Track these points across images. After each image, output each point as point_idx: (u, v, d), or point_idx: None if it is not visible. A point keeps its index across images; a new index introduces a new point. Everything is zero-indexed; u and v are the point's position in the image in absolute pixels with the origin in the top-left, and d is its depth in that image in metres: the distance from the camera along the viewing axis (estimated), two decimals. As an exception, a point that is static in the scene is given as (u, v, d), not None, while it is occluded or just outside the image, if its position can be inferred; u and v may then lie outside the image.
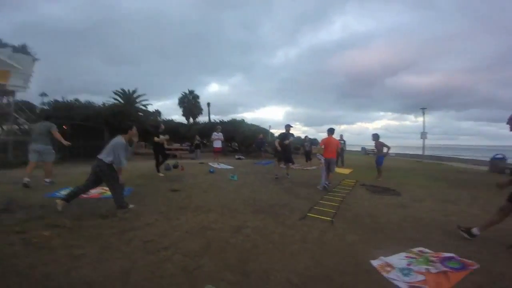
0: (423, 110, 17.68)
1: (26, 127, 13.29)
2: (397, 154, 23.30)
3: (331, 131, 6.42)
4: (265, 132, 17.42)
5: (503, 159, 11.40)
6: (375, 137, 7.90)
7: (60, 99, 15.25)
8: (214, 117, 33.52)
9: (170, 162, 9.41)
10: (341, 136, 12.09)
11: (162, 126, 7.54)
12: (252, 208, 4.09)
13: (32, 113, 16.18)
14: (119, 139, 3.72)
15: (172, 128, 20.93)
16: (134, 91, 25.88)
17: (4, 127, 13.40)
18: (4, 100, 13.87)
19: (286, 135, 7.21)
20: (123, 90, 25.31)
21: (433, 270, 2.25)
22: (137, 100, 25.77)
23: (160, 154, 7.24)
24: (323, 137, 6.60)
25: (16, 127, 13.59)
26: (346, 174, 8.66)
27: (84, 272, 2.06)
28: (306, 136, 12.95)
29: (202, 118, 34.82)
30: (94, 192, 4.38)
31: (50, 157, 5.40)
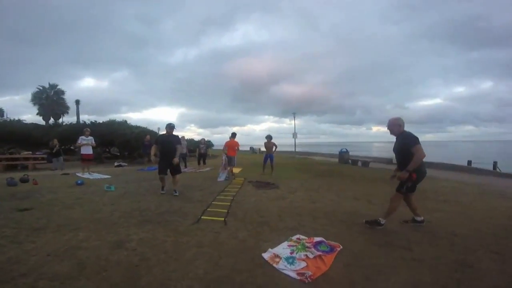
0: (294, 114, 21.71)
1: None
2: (277, 152, 27.10)
3: (233, 135, 8.35)
4: (153, 134, 16.03)
5: (347, 152, 15.45)
6: (269, 137, 9.24)
7: None
8: (88, 117, 28.06)
9: (16, 175, 7.12)
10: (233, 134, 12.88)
11: None
12: (136, 220, 3.65)
13: None
14: None
15: (19, 131, 15.86)
16: None
17: None
18: None
19: (167, 139, 5.36)
20: None
21: (310, 256, 2.47)
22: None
23: None
24: (226, 140, 8.29)
25: None
26: (236, 173, 9.18)
27: None
28: (202, 139, 12.91)
29: (69, 119, 28.37)
30: None
31: None
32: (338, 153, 16.11)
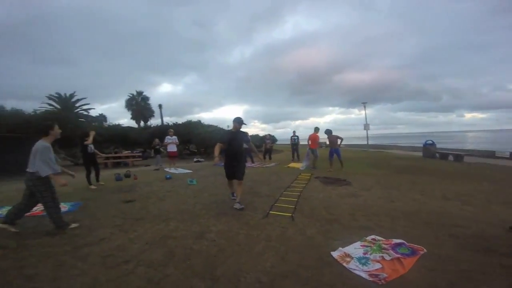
0: (364, 104, 19.72)
1: None
2: (346, 145, 25.41)
3: (316, 129, 9.29)
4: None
5: (433, 144, 13.27)
6: (328, 132, 8.72)
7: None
8: (169, 119, 32.08)
9: (121, 171, 8.76)
10: (294, 132, 12.73)
11: (91, 134, 6.57)
12: (214, 212, 4.05)
13: None
14: (40, 143, 3.20)
15: (119, 134, 19.37)
16: (71, 95, 23.28)
17: None
18: None
19: (235, 136, 4.38)
20: (58, 94, 22.56)
21: (387, 257, 2.36)
22: (77, 105, 23.25)
23: (92, 164, 6.60)
24: (310, 133, 9.41)
25: None
26: (300, 168, 9.12)
27: None
28: (268, 134, 13.32)
29: (155, 121, 33.02)
30: (36, 209, 3.85)
31: None
32: (422, 145, 13.97)
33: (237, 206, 4.16)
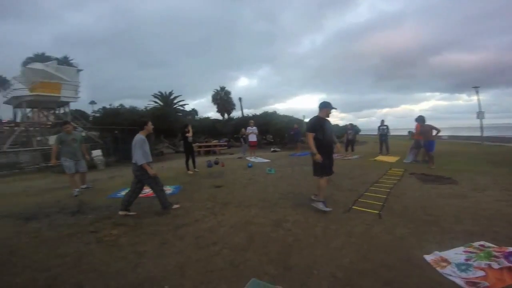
0: (476, 89, 15.59)
1: (84, 134, 14.94)
2: (450, 137, 21.06)
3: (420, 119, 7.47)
4: (299, 122, 17.08)
5: None
6: (420, 119, 7.28)
7: (107, 105, 16.82)
8: (247, 111, 33.88)
9: (211, 158, 9.85)
10: (382, 121, 11.28)
11: (189, 127, 7.52)
12: (292, 202, 4.10)
13: (86, 120, 18.08)
14: (138, 136, 3.69)
15: (208, 125, 21.71)
16: (170, 93, 27.32)
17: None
18: (61, 111, 15.70)
19: (324, 123, 3.65)
20: (160, 92, 26.88)
21: (495, 266, 2.06)
22: (175, 102, 27.20)
23: (190, 152, 7.50)
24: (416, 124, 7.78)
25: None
26: (392, 163, 8.12)
27: (147, 267, 2.28)
28: (349, 124, 12.17)
29: (236, 113, 35.44)
30: (148, 191, 4.46)
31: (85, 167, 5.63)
32: None
33: (321, 206, 3.59)
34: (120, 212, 3.73)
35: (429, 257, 2.29)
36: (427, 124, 7.19)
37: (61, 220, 3.63)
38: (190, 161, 7.51)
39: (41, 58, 19.37)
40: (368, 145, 16.01)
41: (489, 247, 2.41)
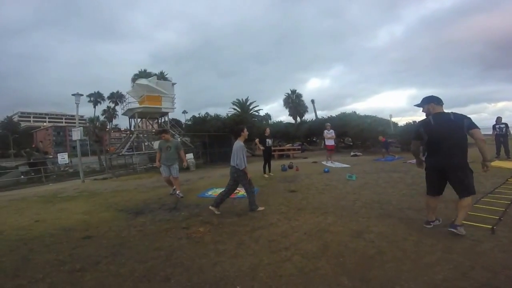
0: None
1: (179, 140, 17.50)
2: None
3: None
4: (385, 123, 15.30)
5: None
6: None
7: (196, 114, 19.11)
8: (321, 113, 32.75)
9: (285, 162, 9.90)
10: (499, 119, 8.98)
11: (268, 131, 7.93)
12: (377, 212, 3.69)
13: (181, 128, 21.03)
14: (237, 143, 4.10)
15: (281, 129, 21.93)
16: (246, 100, 28.99)
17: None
18: (162, 120, 18.68)
19: (431, 124, 2.85)
20: (238, 100, 28.84)
21: None
22: (250, 108, 28.74)
23: (268, 156, 7.74)
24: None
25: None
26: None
27: (225, 266, 2.41)
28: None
29: (309, 116, 34.76)
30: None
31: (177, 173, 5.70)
32: None
33: (459, 230, 2.66)
34: (211, 207, 4.09)
35: None
36: None
37: (161, 216, 4.18)
38: (267, 165, 7.75)
39: (144, 74, 23.61)
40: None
41: None
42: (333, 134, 10.03)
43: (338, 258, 2.43)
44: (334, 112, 22.99)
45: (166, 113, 17.56)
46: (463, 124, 2.69)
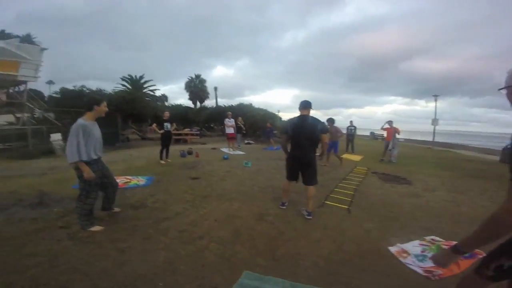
0: (435, 97, 17.30)
1: (40, 115, 13.66)
2: (406, 140, 23.12)
3: (390, 123, 9.00)
4: (274, 117, 17.39)
5: (513, 149, 11.16)
6: (331, 121, 7.59)
7: (69, 86, 15.47)
8: (221, 101, 33.43)
9: (185, 148, 9.68)
10: (351, 122, 12.05)
11: (167, 114, 7.38)
12: (271, 196, 4.30)
13: (43, 101, 16.49)
14: (76, 122, 2.73)
15: (181, 113, 21.05)
16: (141, 77, 25.93)
17: (19, 115, 13.72)
18: (17, 90, 14.18)
19: (300, 123, 3.40)
20: (130, 76, 25.35)
21: None
22: (145, 86, 25.87)
23: (167, 142, 7.33)
24: (386, 126, 9.14)
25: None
26: (357, 161, 8.79)
27: (135, 265, 2.21)
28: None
29: (209, 102, 34.76)
30: (119, 181, 3.97)
31: None
32: (500, 148, 11.97)
33: (308, 216, 3.41)
34: (104, 212, 3.28)
35: (393, 249, 2.65)
36: (336, 126, 7.79)
37: (20, 214, 3.26)
38: (164, 151, 7.36)
39: (2, 35, 17.20)
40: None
41: (438, 241, 2.85)
42: (233, 122, 10.57)
43: (250, 241, 2.73)
44: (233, 102, 24.12)
45: (23, 82, 13.38)
46: (317, 127, 3.35)
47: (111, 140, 11.23)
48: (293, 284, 2.00)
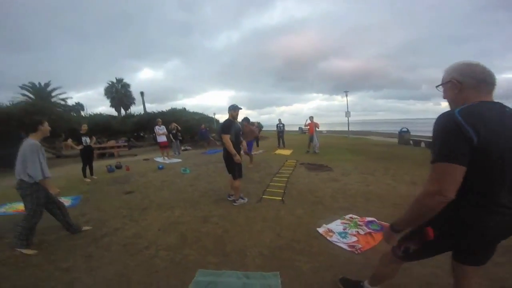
0: (346, 92, 20.35)
1: None
2: (328, 131, 26.38)
3: (311, 118, 10.35)
4: (210, 120, 17.41)
5: (407, 132, 14.20)
6: (246, 120, 7.76)
7: None
8: (150, 106, 31.39)
9: (112, 162, 8.86)
10: (279, 120, 13.14)
11: (85, 127, 6.71)
12: (213, 198, 4.48)
13: None
14: (28, 142, 2.80)
15: (103, 123, 18.93)
16: (47, 84, 22.19)
17: None
18: None
19: (233, 125, 4.03)
20: (32, 83, 21.41)
21: (361, 232, 2.91)
22: (53, 94, 22.26)
23: (88, 157, 6.70)
24: (308, 122, 10.50)
25: None
26: (287, 155, 9.68)
27: (85, 281, 2.17)
28: (257, 122, 13.62)
29: (136, 109, 32.20)
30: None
31: None
32: (398, 132, 14.88)
33: (238, 202, 4.14)
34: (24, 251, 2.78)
35: (320, 230, 3.03)
36: (250, 126, 7.77)
37: None
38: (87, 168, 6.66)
39: None
40: (270, 140, 18.04)
41: (355, 218, 3.31)
42: (165, 130, 10.16)
43: (198, 243, 2.85)
44: (165, 107, 22.87)
45: None
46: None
47: (14, 161, 9.32)
48: (245, 273, 2.22)
